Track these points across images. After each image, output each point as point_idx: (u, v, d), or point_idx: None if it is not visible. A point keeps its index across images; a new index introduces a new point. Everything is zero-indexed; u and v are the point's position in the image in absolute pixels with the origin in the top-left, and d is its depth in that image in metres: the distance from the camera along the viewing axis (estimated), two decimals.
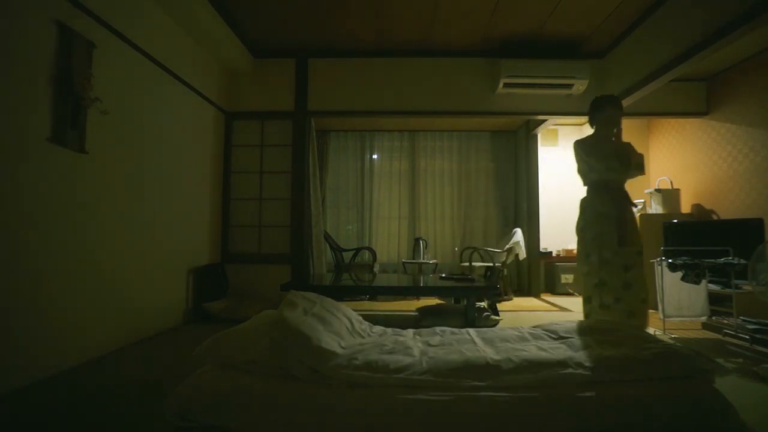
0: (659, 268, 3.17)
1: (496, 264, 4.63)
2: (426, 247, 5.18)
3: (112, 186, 2.59)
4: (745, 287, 2.86)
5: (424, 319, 3.16)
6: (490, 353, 1.57)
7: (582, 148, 2.57)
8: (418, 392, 1.36)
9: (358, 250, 5.13)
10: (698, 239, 3.67)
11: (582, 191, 2.63)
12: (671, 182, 4.71)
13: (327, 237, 4.83)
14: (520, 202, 5.60)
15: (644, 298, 2.38)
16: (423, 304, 3.81)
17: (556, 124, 5.67)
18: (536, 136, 5.35)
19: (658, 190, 4.55)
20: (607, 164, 2.46)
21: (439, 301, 4.09)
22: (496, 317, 3.40)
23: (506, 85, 4.02)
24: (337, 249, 5.00)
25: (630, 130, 4.98)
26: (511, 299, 4.73)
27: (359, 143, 5.83)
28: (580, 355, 1.54)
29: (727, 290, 3.00)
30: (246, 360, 1.50)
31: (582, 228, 2.54)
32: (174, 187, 3.31)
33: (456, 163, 5.85)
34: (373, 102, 4.26)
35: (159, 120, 3.09)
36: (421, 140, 5.85)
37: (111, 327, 2.57)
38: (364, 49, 4.18)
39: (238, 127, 4.33)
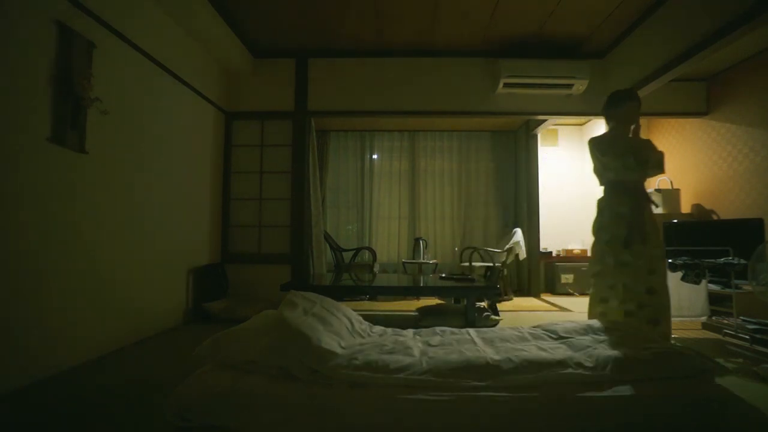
0: None
1: (496, 264, 4.63)
2: (426, 247, 5.18)
3: (112, 186, 2.59)
4: (745, 287, 2.86)
5: (424, 319, 3.16)
6: (490, 353, 1.57)
7: (597, 146, 2.46)
8: (418, 392, 1.36)
9: (358, 250, 5.13)
10: (698, 239, 3.67)
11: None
12: (671, 182, 4.71)
13: (327, 237, 4.83)
14: (520, 202, 5.59)
15: (668, 305, 2.29)
16: (423, 304, 3.81)
17: (556, 124, 5.67)
18: (536, 136, 5.35)
19: (658, 190, 4.55)
20: (623, 162, 2.35)
21: (439, 301, 4.09)
22: (496, 317, 3.40)
23: (506, 85, 4.02)
24: (337, 249, 5.00)
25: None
26: (511, 299, 4.73)
27: (359, 143, 5.83)
28: (580, 355, 1.54)
29: (727, 290, 3.00)
30: (246, 360, 1.50)
31: (598, 229, 2.44)
32: (174, 187, 3.31)
33: (456, 163, 5.85)
34: (372, 102, 4.26)
35: (159, 120, 3.09)
36: (421, 140, 5.85)
37: (111, 327, 2.57)
38: (364, 49, 4.18)
39: (238, 127, 4.33)
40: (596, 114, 4.34)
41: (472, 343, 1.73)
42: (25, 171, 1.99)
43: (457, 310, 3.29)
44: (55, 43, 2.13)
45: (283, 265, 4.17)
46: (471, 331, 1.95)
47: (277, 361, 1.46)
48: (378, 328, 2.07)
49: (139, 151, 2.86)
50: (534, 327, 2.04)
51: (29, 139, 2.01)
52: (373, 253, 4.89)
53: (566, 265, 5.29)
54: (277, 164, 4.29)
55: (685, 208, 4.53)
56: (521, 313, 4.01)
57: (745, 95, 3.92)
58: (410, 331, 2.00)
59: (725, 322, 3.00)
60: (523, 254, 4.76)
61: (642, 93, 3.65)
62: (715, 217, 4.19)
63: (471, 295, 2.94)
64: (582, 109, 4.31)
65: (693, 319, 3.19)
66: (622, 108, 2.42)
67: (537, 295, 5.09)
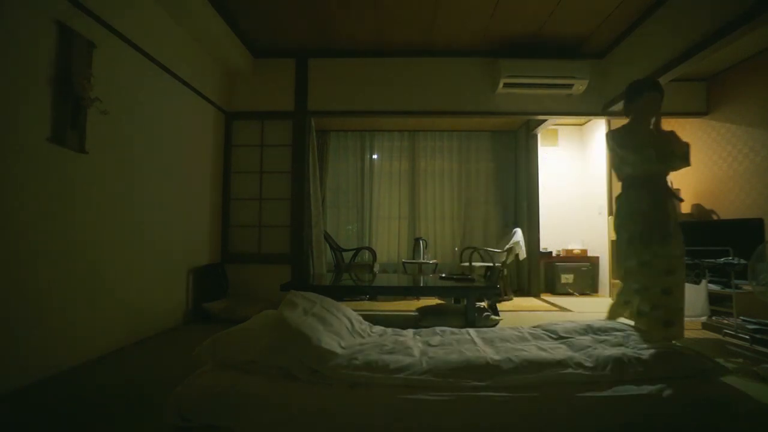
0: None
1: (496, 264, 4.63)
2: (426, 247, 5.18)
3: (112, 186, 2.59)
4: (745, 287, 2.86)
5: (424, 319, 3.16)
6: (490, 353, 1.57)
7: (615, 139, 2.30)
8: (418, 392, 1.36)
9: (358, 250, 5.13)
10: (698, 239, 3.66)
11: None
12: (671, 182, 4.70)
13: (327, 237, 4.83)
14: (520, 202, 5.59)
15: (682, 306, 2.13)
16: (423, 304, 3.82)
17: (556, 124, 5.67)
18: (536, 136, 5.35)
19: None
20: (642, 155, 2.19)
21: (439, 301, 4.09)
22: (496, 317, 3.40)
23: (506, 85, 4.02)
24: (337, 249, 5.00)
25: None
26: (511, 299, 4.74)
27: (359, 143, 5.83)
28: (580, 355, 1.54)
29: (727, 290, 3.00)
30: (246, 360, 1.50)
31: (618, 227, 2.30)
32: (174, 187, 3.31)
33: (456, 163, 5.85)
34: (373, 102, 4.26)
35: (159, 120, 3.09)
36: (421, 140, 5.85)
37: (111, 327, 2.57)
38: (364, 49, 4.18)
39: (238, 127, 4.33)
40: (596, 114, 4.35)
41: (472, 343, 1.73)
42: (25, 171, 1.99)
43: (457, 310, 3.29)
44: (55, 43, 2.13)
45: (283, 265, 4.17)
46: (471, 331, 1.95)
47: (277, 361, 1.46)
48: (378, 328, 2.07)
49: (139, 151, 2.86)
50: (534, 327, 2.04)
51: (29, 139, 2.01)
52: (373, 253, 4.89)
53: (566, 265, 5.29)
54: (277, 164, 4.29)
55: (685, 208, 4.52)
56: (521, 313, 4.01)
57: (745, 95, 3.92)
58: (410, 331, 2.00)
59: (725, 322, 3.00)
60: (523, 254, 4.76)
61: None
62: (715, 217, 4.18)
63: (471, 295, 2.94)
64: (582, 109, 4.31)
65: (693, 319, 3.19)
66: (641, 98, 2.24)
67: (537, 295, 5.10)
